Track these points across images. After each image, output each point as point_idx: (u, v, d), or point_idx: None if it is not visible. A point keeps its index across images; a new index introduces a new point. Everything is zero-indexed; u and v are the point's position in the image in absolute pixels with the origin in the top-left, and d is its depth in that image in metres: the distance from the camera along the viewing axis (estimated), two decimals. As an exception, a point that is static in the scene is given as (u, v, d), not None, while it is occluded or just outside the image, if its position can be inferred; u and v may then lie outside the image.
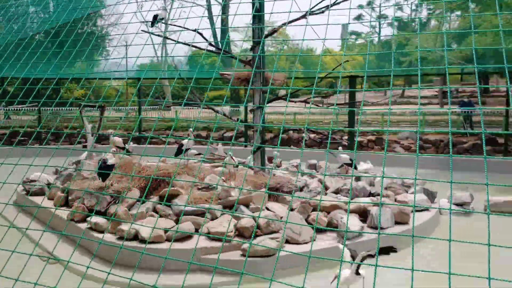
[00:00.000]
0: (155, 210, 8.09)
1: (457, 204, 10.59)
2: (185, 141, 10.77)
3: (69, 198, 9.23)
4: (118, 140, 11.57)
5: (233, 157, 10.09)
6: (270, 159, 13.35)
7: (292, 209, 8.53)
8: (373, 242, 7.73)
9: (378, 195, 9.39)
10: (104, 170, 8.38)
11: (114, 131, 17.63)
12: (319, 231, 7.94)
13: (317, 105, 12.75)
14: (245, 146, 18.17)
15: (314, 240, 7.53)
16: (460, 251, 7.58)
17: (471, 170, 15.11)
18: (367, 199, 9.02)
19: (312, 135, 16.80)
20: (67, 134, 23.02)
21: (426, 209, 9.59)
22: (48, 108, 23.65)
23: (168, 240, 7.11)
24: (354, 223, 7.85)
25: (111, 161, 8.58)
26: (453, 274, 2.24)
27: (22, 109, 22.63)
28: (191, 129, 11.58)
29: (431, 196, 10.48)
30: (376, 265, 2.77)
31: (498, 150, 18.27)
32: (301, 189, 9.86)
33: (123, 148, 11.64)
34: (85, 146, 16.42)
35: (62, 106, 24.72)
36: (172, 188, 8.44)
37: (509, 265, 7.21)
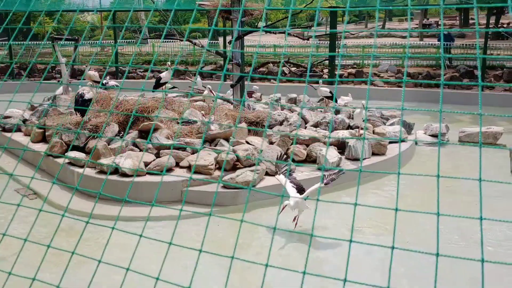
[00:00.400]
0: (134, 144, 8.07)
1: (433, 135, 10.81)
2: (163, 74, 10.58)
3: (46, 133, 9.12)
4: (94, 73, 11.29)
5: (212, 91, 9.99)
6: (250, 94, 13.27)
7: (271, 142, 8.61)
8: (350, 173, 7.90)
9: (357, 127, 9.51)
10: (81, 104, 8.22)
11: (89, 65, 17.16)
12: (298, 163, 8.08)
13: (297, 37, 12.51)
14: (224, 79, 17.97)
15: (294, 172, 7.66)
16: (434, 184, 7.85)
17: (449, 102, 15.37)
18: (346, 132, 9.13)
19: (292, 69, 16.64)
20: (40, 69, 22.37)
21: (403, 141, 9.78)
22: (20, 43, 22.76)
23: (149, 173, 7.16)
24: (331, 154, 7.98)
25: (88, 95, 8.42)
26: (442, 215, 2.31)
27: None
28: (169, 63, 11.32)
29: (408, 127, 10.67)
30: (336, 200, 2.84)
31: (475, 82, 18.46)
32: (281, 123, 9.90)
33: (100, 83, 11.38)
34: (60, 82, 16.03)
35: (35, 41, 23.81)
36: (151, 122, 8.38)
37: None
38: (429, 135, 10.88)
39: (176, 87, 11.63)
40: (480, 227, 1.88)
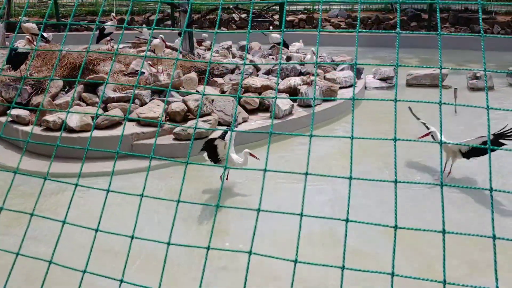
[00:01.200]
0: (81, 99, 7.76)
1: (381, 79, 11.00)
2: (107, 24, 10.09)
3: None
4: (31, 26, 10.62)
5: (164, 40, 9.65)
6: (200, 42, 12.94)
7: (223, 91, 8.50)
8: (302, 119, 7.99)
9: (308, 73, 9.51)
10: (15, 58, 7.70)
11: (26, 18, 16.12)
12: (251, 111, 8.05)
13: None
14: (172, 29, 17.38)
15: (246, 121, 7.65)
16: (385, 130, 8.06)
17: (394, 46, 15.55)
18: (297, 78, 9.12)
19: (243, 15, 16.27)
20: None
21: (352, 85, 9.90)
22: None
23: (97, 128, 6.94)
24: (284, 102, 7.99)
25: (22, 48, 7.92)
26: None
27: None
28: (113, 14, 10.77)
29: (358, 72, 10.79)
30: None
31: (422, 25, 18.74)
32: (232, 71, 9.76)
33: (41, 36, 10.73)
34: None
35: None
36: (97, 75, 8.06)
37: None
38: (378, 79, 11.06)
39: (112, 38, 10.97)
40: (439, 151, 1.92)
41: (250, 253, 2.13)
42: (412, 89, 10.78)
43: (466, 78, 10.86)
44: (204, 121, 7.12)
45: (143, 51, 10.69)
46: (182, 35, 3.24)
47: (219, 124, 7.40)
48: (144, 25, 13.65)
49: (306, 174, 2.17)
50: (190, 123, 7.04)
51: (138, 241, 2.32)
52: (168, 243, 2.24)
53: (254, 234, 2.10)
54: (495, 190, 1.74)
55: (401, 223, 1.90)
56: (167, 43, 9.07)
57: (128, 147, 6.72)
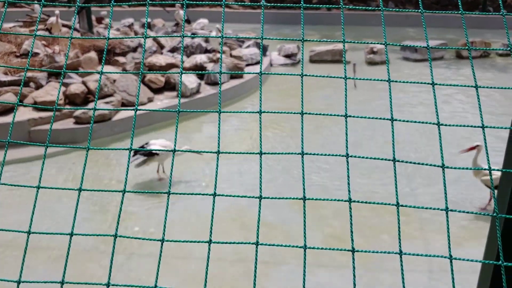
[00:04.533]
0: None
1: (285, 56, 11.23)
2: (-9, 1, 9.21)
3: None
4: None
5: (59, 18, 9.00)
6: (99, 20, 12.28)
7: (126, 71, 8.18)
8: (210, 97, 7.95)
9: (214, 51, 9.44)
10: None
11: None
12: (156, 91, 7.84)
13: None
14: (69, 7, 16.28)
15: (152, 101, 7.45)
16: (292, 103, 8.27)
17: (299, 23, 15.94)
18: (203, 56, 9.01)
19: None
20: None
21: (258, 62, 10.00)
22: None
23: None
24: (191, 80, 7.88)
25: None
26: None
27: None
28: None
29: (263, 49, 10.91)
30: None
31: (324, 1, 19.33)
32: (134, 50, 9.40)
33: None
34: None
35: None
36: (-17, 57, 7.36)
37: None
38: (283, 56, 11.28)
39: None
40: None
41: (162, 240, 2.09)
42: (315, 65, 11.13)
43: (364, 53, 11.42)
44: (106, 102, 6.81)
45: (38, 30, 9.93)
46: (76, 11, 3.03)
47: (123, 104, 7.13)
48: (35, 1, 12.63)
49: (218, 152, 2.15)
50: (91, 105, 6.70)
51: (51, 236, 2.18)
52: (71, 234, 2.14)
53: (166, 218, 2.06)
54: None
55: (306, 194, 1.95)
56: (63, 21, 8.50)
57: (25, 134, 6.25)
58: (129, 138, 6.09)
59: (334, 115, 2.08)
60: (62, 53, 7.94)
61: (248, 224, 4.53)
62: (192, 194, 2.41)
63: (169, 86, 8.03)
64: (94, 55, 7.99)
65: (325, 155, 2.03)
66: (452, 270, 1.09)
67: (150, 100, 7.41)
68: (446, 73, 10.69)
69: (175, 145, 2.17)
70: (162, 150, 5.05)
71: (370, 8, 1.50)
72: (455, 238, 4.25)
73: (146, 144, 5.28)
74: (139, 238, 1.91)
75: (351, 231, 1.91)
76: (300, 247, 1.96)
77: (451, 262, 1.13)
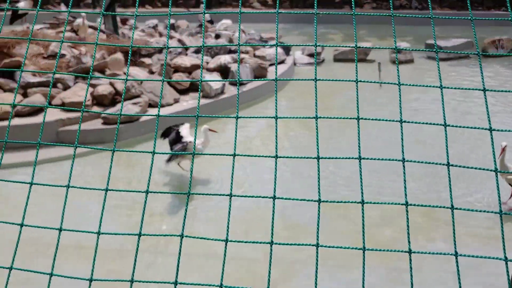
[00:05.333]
0: (-4, 85, 7.22)
1: (310, 55, 11.17)
2: (21, 4, 9.41)
3: None
4: None
5: (85, 19, 9.16)
6: (124, 21, 12.43)
7: (152, 72, 8.26)
8: (234, 98, 7.96)
9: (237, 51, 9.45)
10: None
11: None
12: (181, 92, 7.89)
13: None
14: (94, 7, 16.56)
15: (177, 102, 7.50)
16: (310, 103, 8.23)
17: (321, 22, 15.86)
18: (228, 56, 9.03)
19: (167, -7, 15.81)
20: None
21: (282, 62, 9.99)
22: None
23: (18, 115, 6.51)
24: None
25: None
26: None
27: None
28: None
29: (286, 49, 10.88)
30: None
31: (347, 1, 19.19)
32: (160, 51, 9.48)
33: None
34: None
35: None
36: (13, 59, 7.51)
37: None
38: (306, 55, 11.22)
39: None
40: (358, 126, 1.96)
41: (226, 240, 2.10)
42: (339, 63, 11.05)
43: (388, 52, 11.29)
44: (134, 103, 6.88)
45: (62, 31, 10.11)
46: (101, 15, 3.07)
47: (150, 105, 7.20)
48: (61, 4, 12.89)
49: (234, 155, 2.15)
50: (119, 106, 6.78)
51: (79, 234, 2.22)
52: (98, 232, 2.17)
53: (185, 216, 2.06)
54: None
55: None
56: (89, 22, 8.63)
57: (54, 134, 6.37)
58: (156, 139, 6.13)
59: (346, 118, 2.06)
60: (89, 54, 8.05)
61: (289, 225, 4.52)
62: (209, 194, 2.43)
63: (195, 87, 8.07)
64: (120, 56, 8.08)
65: (339, 158, 2.02)
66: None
67: (176, 101, 7.47)
68: (470, 72, 10.47)
69: (194, 148, 2.16)
70: (178, 153, 5.08)
71: (342, 13, 1.47)
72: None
73: (182, 124, 5.39)
74: (160, 235, 1.90)
75: (363, 232, 1.88)
76: (312, 245, 1.95)
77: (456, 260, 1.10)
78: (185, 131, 5.40)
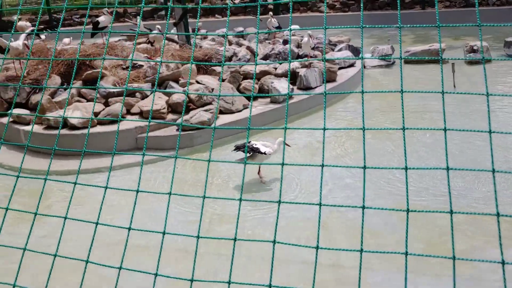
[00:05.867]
0: (80, 95, 7.75)
1: (379, 58, 10.96)
2: (101, 19, 10.04)
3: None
4: (25, 24, 10.56)
5: (162, 31, 9.58)
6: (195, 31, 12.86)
7: (222, 80, 8.49)
8: (303, 103, 7.99)
9: (306, 56, 9.48)
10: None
11: (20, 17, 16.00)
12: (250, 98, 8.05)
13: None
14: (167, 18, 17.26)
15: (246, 108, 7.66)
16: (380, 104, 8.08)
17: (392, 23, 15.50)
18: (296, 62, 9.10)
19: (236, 1, 16.17)
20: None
21: (352, 65, 9.90)
22: None
23: (100, 123, 6.95)
24: (283, 86, 7.99)
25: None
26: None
27: None
28: (106, 9, 10.69)
29: (356, 51, 10.75)
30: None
31: (416, 1, 18.60)
32: (230, 59, 9.73)
33: (36, 34, 10.68)
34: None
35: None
36: (95, 70, 8.03)
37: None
38: (376, 58, 11.02)
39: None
40: (446, 139, 1.95)
41: (274, 242, 2.18)
42: (410, 65, 10.75)
43: (463, 52, 10.83)
44: (205, 110, 7.12)
45: (139, 43, 10.65)
46: (176, 24, 3.23)
47: (221, 112, 7.42)
48: (138, 17, 13.57)
49: (282, 164, 2.20)
50: (192, 113, 7.04)
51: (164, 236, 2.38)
52: (163, 232, 2.32)
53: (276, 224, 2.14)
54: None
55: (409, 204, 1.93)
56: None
57: (133, 140, 6.74)
58: (228, 144, 6.31)
59: (393, 129, 2.03)
60: (164, 64, 8.43)
61: (351, 232, 4.50)
62: (259, 201, 2.49)
63: (263, 92, 8.20)
64: (193, 66, 8.39)
65: (343, 167, 2.01)
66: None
67: (245, 107, 7.63)
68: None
69: (244, 156, 2.23)
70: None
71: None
72: None
73: (249, 143, 5.46)
74: (216, 238, 1.98)
75: (361, 235, 1.84)
76: (312, 247, 1.96)
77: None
78: (258, 143, 5.53)
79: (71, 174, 6.03)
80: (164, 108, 7.11)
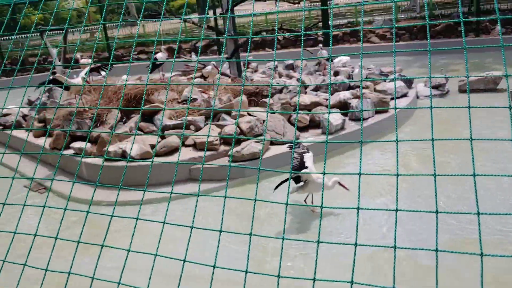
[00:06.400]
0: (138, 128, 8.08)
1: (433, 87, 10.77)
2: (158, 55, 10.51)
3: (48, 127, 9.13)
4: (86, 61, 11.21)
5: (216, 66, 9.90)
6: (247, 65, 13.18)
7: (273, 111, 8.60)
8: (354, 134, 7.94)
9: (357, 87, 9.47)
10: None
11: (82, 54, 17.01)
12: (301, 129, 8.10)
13: (288, 1, 12.33)
14: (219, 54, 17.83)
15: (297, 138, 7.70)
16: (438, 135, 7.88)
17: (445, 52, 15.22)
18: (347, 93, 9.09)
19: (286, 35, 16.47)
20: (32, 62, 22.18)
21: (405, 95, 9.77)
22: (6, 37, 22.51)
23: (157, 155, 7.19)
24: (335, 117, 7.98)
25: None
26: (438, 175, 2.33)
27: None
28: (162, 47, 11.20)
29: (408, 82, 10.61)
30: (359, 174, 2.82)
31: (470, 28, 18.23)
32: (280, 91, 9.86)
33: (96, 70, 11.31)
34: (54, 73, 15.90)
35: (22, 34, 23.50)
36: (152, 104, 8.38)
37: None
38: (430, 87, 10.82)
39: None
40: (474, 182, 1.90)
41: (314, 279, 2.19)
42: (465, 95, 10.46)
43: (523, 80, 10.45)
44: (257, 141, 7.22)
45: (194, 78, 11.02)
46: (229, 59, 3.35)
47: (271, 143, 7.49)
48: (192, 53, 14.12)
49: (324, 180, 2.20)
50: (244, 144, 7.16)
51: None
52: (246, 271, 2.37)
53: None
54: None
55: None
56: (218, 69, 9.31)
57: (187, 172, 6.92)
58: (277, 175, 6.27)
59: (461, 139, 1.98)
60: (217, 98, 8.67)
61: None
62: (300, 240, 2.48)
63: (314, 124, 8.24)
64: (244, 98, 8.59)
65: (378, 209, 1.94)
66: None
67: (297, 138, 7.67)
68: None
69: (323, 191, 2.25)
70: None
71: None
72: None
73: (307, 152, 5.49)
74: (260, 274, 1.98)
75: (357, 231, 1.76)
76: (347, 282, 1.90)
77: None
78: (310, 162, 5.43)
79: (129, 205, 6.24)
80: (216, 140, 7.28)
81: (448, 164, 6.55)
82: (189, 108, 7.67)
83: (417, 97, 10.43)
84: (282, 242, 2.31)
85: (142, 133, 7.91)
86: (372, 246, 2.07)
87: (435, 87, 10.79)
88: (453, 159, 6.69)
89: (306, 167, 5.32)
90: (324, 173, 2.11)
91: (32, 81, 4.68)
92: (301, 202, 5.74)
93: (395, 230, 1.96)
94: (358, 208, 2.02)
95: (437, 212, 1.88)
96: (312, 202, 5.64)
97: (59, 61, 14.39)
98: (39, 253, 3.47)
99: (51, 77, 8.30)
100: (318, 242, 2.18)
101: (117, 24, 28.15)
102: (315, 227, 5.33)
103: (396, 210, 1.97)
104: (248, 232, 2.40)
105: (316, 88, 9.94)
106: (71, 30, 24.88)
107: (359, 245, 2.01)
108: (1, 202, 3.17)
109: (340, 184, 5.32)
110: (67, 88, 8.41)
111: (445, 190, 5.73)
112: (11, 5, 4.44)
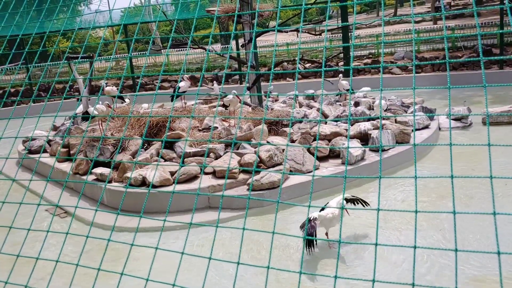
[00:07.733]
0: (158, 155, 8.17)
1: (455, 119, 10.67)
2: (181, 84, 10.70)
3: (71, 152, 9.31)
4: (112, 88, 11.48)
5: (238, 96, 10.03)
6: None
7: (293, 141, 8.61)
8: (374, 165, 7.87)
9: (378, 118, 9.44)
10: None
11: (106, 81, 17.41)
12: (321, 159, 8.07)
13: (309, 33, 12.47)
14: (240, 83, 18.04)
15: (317, 168, 7.67)
16: (461, 168, 7.76)
17: (468, 83, 15.12)
18: (368, 123, 9.07)
19: (307, 65, 16.63)
20: (59, 89, 22.79)
21: (426, 127, 9.69)
22: (37, 65, 23.21)
23: (177, 182, 7.24)
24: (355, 147, 7.92)
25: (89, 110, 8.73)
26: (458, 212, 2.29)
27: (7, 68, 22.22)
28: (186, 75, 11.40)
29: (430, 113, 10.54)
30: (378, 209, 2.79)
31: (493, 61, 18.11)
32: (300, 121, 9.89)
33: (120, 98, 11.58)
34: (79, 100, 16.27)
35: (50, 61, 24.20)
36: (174, 132, 8.48)
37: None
38: (452, 119, 10.72)
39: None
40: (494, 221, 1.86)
41: None
42: (490, 127, 10.33)
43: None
44: (276, 170, 7.22)
45: (215, 106, 11.16)
46: (250, 88, 3.40)
47: (291, 173, 7.47)
48: (214, 82, 14.33)
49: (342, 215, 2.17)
50: (263, 173, 7.16)
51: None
52: None
53: None
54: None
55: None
56: (240, 98, 9.42)
57: (206, 200, 6.93)
58: (296, 207, 6.21)
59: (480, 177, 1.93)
60: (237, 126, 8.74)
61: None
62: (317, 275, 2.43)
63: (334, 154, 8.21)
64: (264, 127, 8.63)
65: (395, 246, 1.89)
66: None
67: (317, 168, 7.64)
68: None
69: (341, 224, 2.23)
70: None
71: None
72: None
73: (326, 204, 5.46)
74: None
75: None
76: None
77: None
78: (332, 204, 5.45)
79: (149, 231, 6.26)
80: (236, 168, 7.30)
81: (471, 199, 6.43)
82: (211, 140, 7.76)
83: (439, 129, 10.33)
84: (300, 276, 2.27)
85: (163, 160, 8.00)
86: (390, 282, 2.02)
87: (458, 119, 10.68)
88: (477, 193, 6.57)
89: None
90: (342, 208, 2.10)
91: (57, 107, 4.81)
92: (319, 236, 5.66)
93: (414, 267, 1.92)
94: (376, 244, 1.98)
95: (456, 250, 1.84)
96: (327, 237, 5.57)
97: (85, 88, 14.74)
98: (55, 276, 3.48)
99: (82, 110, 8.55)
100: (336, 277, 2.15)
101: (142, 53, 28.84)
102: (333, 260, 5.25)
103: (415, 247, 1.93)
104: (265, 265, 2.37)
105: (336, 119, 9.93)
106: (98, 58, 25.54)
107: (377, 281, 1.97)
108: (26, 227, 3.21)
109: (346, 210, 5.36)
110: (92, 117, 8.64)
111: (469, 225, 5.60)
112: (44, 35, 4.58)
